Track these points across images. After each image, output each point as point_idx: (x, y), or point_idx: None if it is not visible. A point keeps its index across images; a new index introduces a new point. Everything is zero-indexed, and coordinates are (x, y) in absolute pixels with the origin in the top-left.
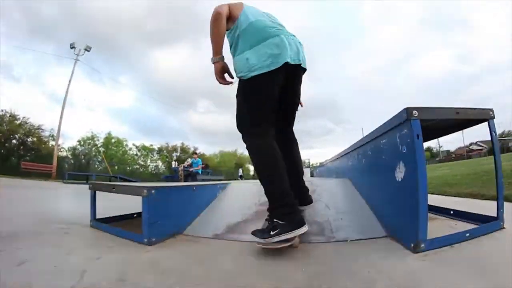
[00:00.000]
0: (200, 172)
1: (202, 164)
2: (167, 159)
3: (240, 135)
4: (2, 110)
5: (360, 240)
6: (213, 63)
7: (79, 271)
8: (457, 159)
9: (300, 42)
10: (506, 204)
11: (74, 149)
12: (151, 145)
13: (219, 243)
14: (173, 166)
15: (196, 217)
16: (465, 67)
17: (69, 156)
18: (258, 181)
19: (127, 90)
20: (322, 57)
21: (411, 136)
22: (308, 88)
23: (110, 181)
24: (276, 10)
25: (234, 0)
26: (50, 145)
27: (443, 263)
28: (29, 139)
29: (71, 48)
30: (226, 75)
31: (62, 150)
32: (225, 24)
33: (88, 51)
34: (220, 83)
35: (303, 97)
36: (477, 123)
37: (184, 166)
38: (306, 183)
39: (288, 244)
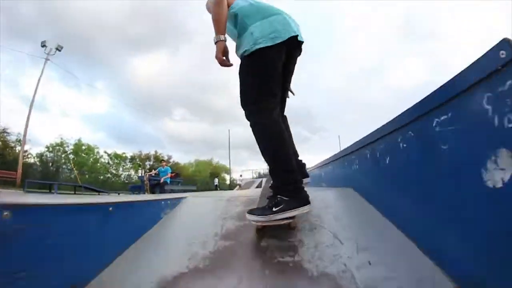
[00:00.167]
0: (168, 181)
1: (172, 172)
2: (140, 168)
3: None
4: None
5: None
6: (216, 42)
7: None
8: None
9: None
10: None
11: (41, 155)
12: (124, 153)
13: None
14: (140, 174)
15: (113, 260)
16: (438, 77)
17: (37, 162)
18: (227, 195)
19: (102, 95)
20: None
21: None
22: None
23: (74, 191)
24: None
25: None
26: (17, 150)
27: None
28: None
29: (42, 46)
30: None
31: (29, 156)
32: (226, 5)
33: (60, 50)
34: (221, 64)
35: None
36: None
37: (150, 175)
38: None
39: (290, 221)
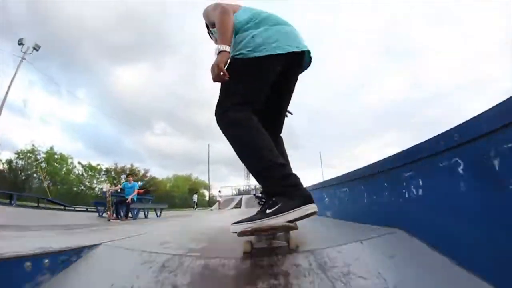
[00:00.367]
0: (135, 199)
1: (141, 188)
2: (115, 182)
3: None
4: None
5: None
6: (219, 52)
7: None
8: None
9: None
10: None
11: (10, 162)
12: (98, 164)
13: None
14: (104, 189)
15: None
16: (417, 93)
17: (6, 169)
18: (174, 240)
19: (82, 104)
20: None
21: None
22: None
23: (38, 204)
24: None
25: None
26: None
27: None
28: None
29: (19, 44)
30: None
31: None
32: (233, 15)
33: (37, 50)
34: (217, 77)
35: None
36: None
37: (111, 191)
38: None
39: (291, 224)
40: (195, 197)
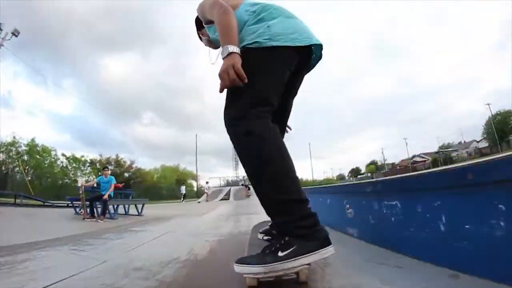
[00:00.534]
0: (112, 195)
1: (119, 183)
2: (100, 174)
3: None
4: None
5: None
6: (228, 54)
7: None
8: (402, 171)
9: None
10: None
11: None
12: (83, 156)
13: None
14: (79, 184)
15: None
16: (405, 89)
17: None
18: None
19: (68, 94)
20: None
21: None
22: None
23: (15, 200)
24: None
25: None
26: None
27: None
28: None
29: None
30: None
31: None
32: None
33: (16, 36)
34: (229, 85)
35: None
36: None
37: (84, 186)
38: None
39: (306, 267)
40: (182, 189)
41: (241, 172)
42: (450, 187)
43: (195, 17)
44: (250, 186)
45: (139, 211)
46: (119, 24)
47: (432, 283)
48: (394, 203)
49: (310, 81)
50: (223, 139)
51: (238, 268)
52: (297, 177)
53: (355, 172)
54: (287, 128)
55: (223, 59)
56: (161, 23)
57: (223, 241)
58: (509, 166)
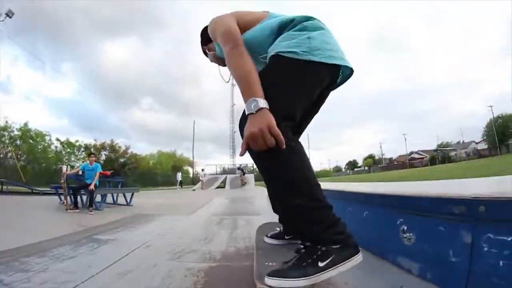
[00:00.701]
0: (98, 183)
1: (112, 169)
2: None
3: None
4: None
5: None
6: (258, 110)
7: None
8: (400, 167)
9: None
10: None
11: None
12: (77, 141)
13: None
14: (63, 171)
15: None
16: (406, 85)
17: None
18: None
19: (65, 79)
20: None
21: None
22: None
23: (1, 187)
24: None
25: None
26: None
27: None
28: None
29: None
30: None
31: None
32: (246, 51)
33: (10, 17)
34: (262, 148)
35: None
36: None
37: (67, 174)
38: None
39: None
40: (179, 175)
41: (238, 160)
42: None
43: (201, 29)
44: (245, 171)
45: (128, 200)
46: (119, 8)
47: None
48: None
49: None
50: (221, 125)
51: (274, 282)
52: (320, 184)
53: (352, 165)
54: None
55: (248, 114)
56: (162, 7)
57: (213, 272)
58: None
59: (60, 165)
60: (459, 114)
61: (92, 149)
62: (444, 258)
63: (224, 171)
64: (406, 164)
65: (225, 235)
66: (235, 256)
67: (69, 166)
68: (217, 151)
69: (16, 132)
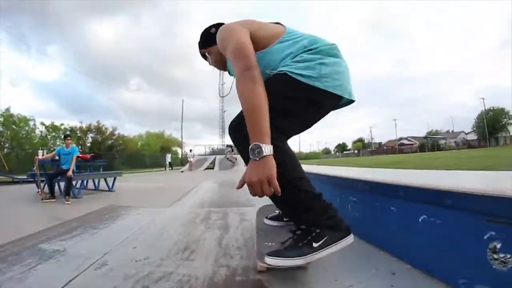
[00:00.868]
0: (75, 169)
1: (86, 153)
2: (80, 142)
3: None
4: None
5: None
6: (260, 158)
7: None
8: (389, 152)
9: None
10: None
11: None
12: (62, 124)
13: None
14: (41, 156)
15: None
16: (399, 71)
17: None
18: None
19: (51, 60)
20: None
21: None
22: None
23: None
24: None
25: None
26: None
27: None
28: None
29: None
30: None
31: None
32: (261, 80)
33: None
34: (259, 195)
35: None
36: None
37: (39, 160)
38: None
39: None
40: (168, 157)
41: (227, 140)
42: None
43: (202, 31)
44: (235, 149)
45: (110, 185)
46: None
47: None
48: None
49: None
50: (211, 105)
51: (273, 261)
52: (307, 177)
53: (341, 147)
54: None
55: (251, 159)
56: None
57: None
58: None
59: (46, 150)
60: (448, 104)
61: (78, 132)
62: None
63: (214, 152)
64: (396, 149)
65: (212, 241)
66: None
67: (45, 151)
68: (206, 131)
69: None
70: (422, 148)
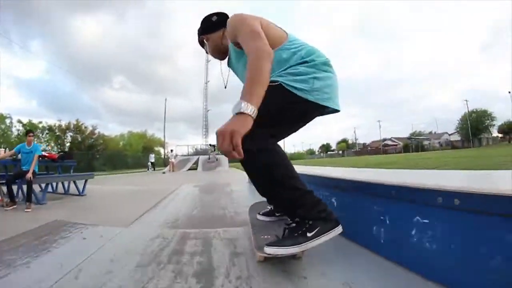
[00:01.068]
0: (37, 170)
1: (53, 152)
2: (59, 141)
3: None
4: None
5: None
6: (239, 113)
7: None
8: (373, 152)
9: None
10: None
11: None
12: (40, 122)
13: None
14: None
15: None
16: (388, 73)
17: None
18: None
19: (32, 56)
20: None
21: None
22: (231, 73)
23: None
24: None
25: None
26: None
27: None
28: None
29: None
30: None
31: None
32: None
33: None
34: (223, 150)
35: (223, 83)
36: None
37: None
38: None
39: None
40: (151, 157)
41: (211, 140)
42: None
43: (203, 18)
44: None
45: (80, 189)
46: None
47: None
48: None
49: None
50: (195, 104)
51: (272, 250)
52: (298, 176)
53: (325, 148)
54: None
55: (232, 113)
56: None
57: None
58: None
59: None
60: (430, 106)
61: (56, 130)
62: None
63: (197, 152)
64: (380, 150)
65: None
66: None
67: (7, 149)
68: (190, 131)
69: None
70: (406, 148)
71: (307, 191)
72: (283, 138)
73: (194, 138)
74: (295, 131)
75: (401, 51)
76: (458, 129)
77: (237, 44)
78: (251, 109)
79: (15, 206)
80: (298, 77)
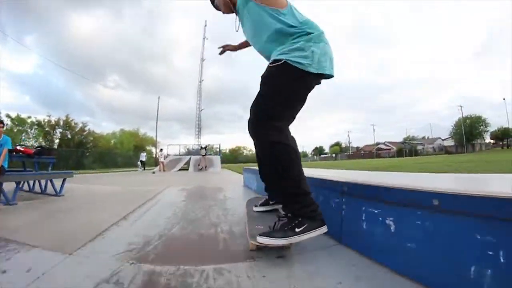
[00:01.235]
0: (6, 166)
1: (24, 146)
2: (48, 137)
3: None
4: None
5: None
6: None
7: None
8: (367, 156)
9: None
10: None
11: None
12: (29, 117)
13: None
14: None
15: None
16: (380, 78)
17: None
18: None
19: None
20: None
21: None
22: (223, 74)
23: None
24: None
25: None
26: None
27: None
28: None
29: None
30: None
31: None
32: None
33: None
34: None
35: (217, 84)
36: None
37: None
38: None
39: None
40: (143, 156)
41: (203, 140)
42: None
43: None
44: (210, 152)
45: (57, 189)
46: None
47: None
48: None
49: None
50: (189, 104)
51: (263, 240)
52: (305, 177)
53: (318, 151)
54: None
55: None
56: None
57: None
58: None
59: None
60: (423, 111)
61: (45, 126)
62: None
63: (189, 152)
64: (373, 154)
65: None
66: None
67: None
68: (183, 131)
69: None
70: (400, 153)
71: (309, 192)
72: (293, 119)
73: (187, 138)
74: (302, 106)
75: (394, 58)
76: (452, 134)
77: None
78: None
79: None
80: (300, 53)
